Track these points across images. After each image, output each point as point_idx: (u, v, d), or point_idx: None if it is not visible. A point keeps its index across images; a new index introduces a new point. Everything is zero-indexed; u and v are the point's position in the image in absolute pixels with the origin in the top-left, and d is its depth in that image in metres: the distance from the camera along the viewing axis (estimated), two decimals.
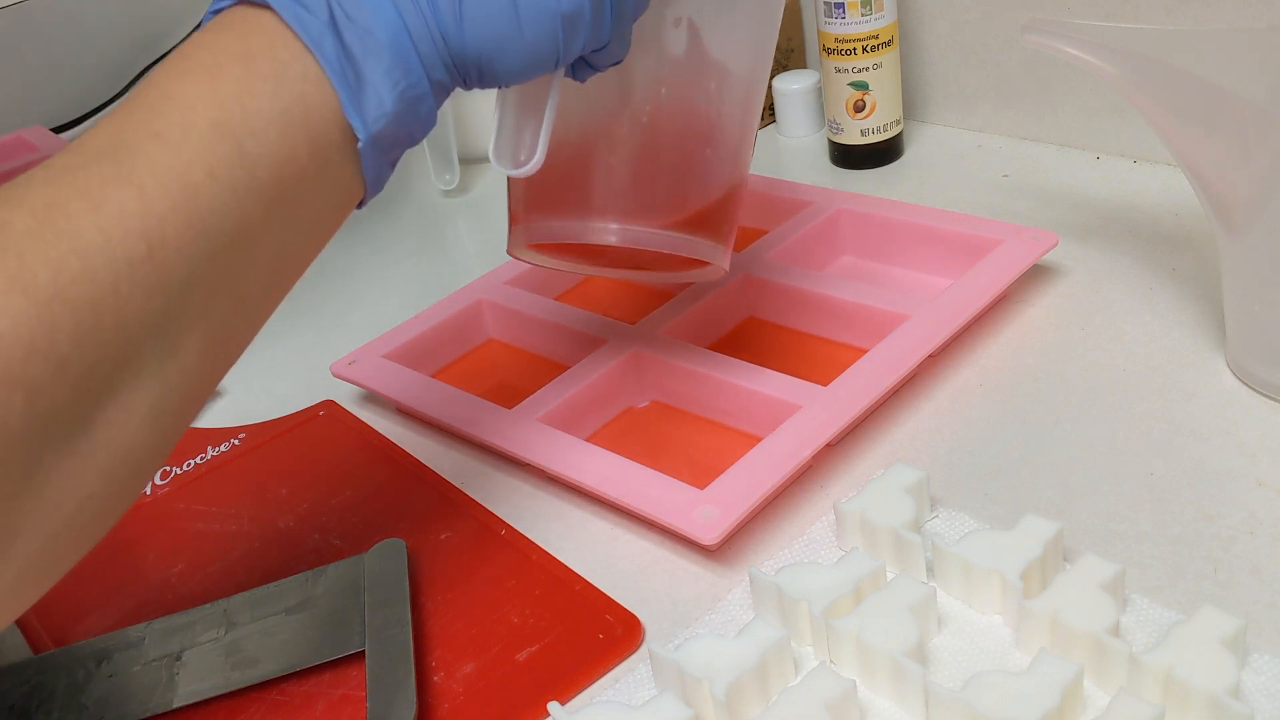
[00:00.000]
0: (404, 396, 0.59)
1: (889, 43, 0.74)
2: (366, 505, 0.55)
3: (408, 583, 0.47)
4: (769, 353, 0.59)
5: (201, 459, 0.60)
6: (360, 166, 0.38)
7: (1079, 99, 0.72)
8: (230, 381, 0.68)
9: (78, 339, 0.31)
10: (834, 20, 0.73)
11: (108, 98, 1.18)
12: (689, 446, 0.55)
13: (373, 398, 0.63)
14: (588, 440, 0.53)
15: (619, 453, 0.51)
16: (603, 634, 0.44)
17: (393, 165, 0.40)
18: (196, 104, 0.35)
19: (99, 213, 0.32)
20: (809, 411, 0.50)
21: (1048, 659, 0.37)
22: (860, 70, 0.74)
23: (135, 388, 0.33)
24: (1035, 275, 0.61)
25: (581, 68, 0.43)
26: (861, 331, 0.58)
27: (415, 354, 0.63)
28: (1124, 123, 0.71)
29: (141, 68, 1.20)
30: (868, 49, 0.74)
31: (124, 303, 0.32)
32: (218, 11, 0.38)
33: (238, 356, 0.38)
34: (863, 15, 0.73)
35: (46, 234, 0.31)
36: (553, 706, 0.40)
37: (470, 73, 0.39)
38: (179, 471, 0.60)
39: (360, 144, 0.37)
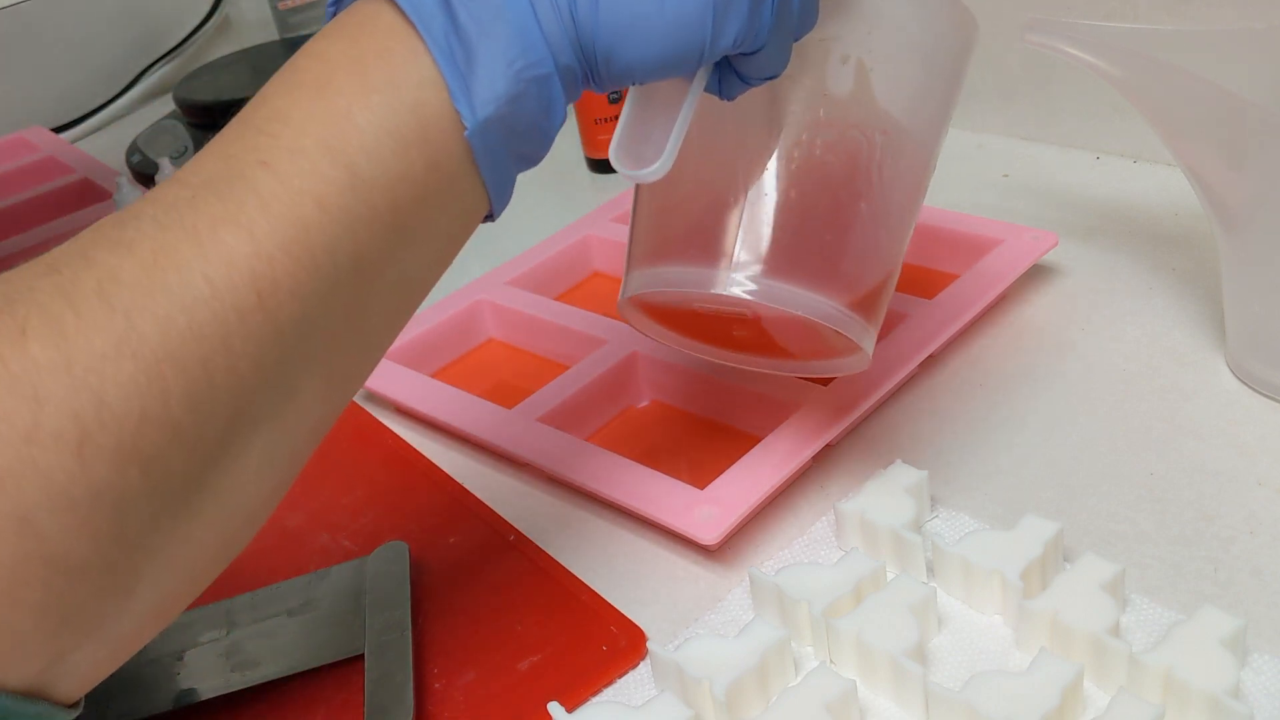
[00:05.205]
0: (404, 396, 0.59)
1: None
2: (377, 506, 0.54)
3: (409, 587, 0.47)
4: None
5: None
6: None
7: (1079, 99, 0.72)
8: None
9: (191, 402, 0.29)
10: None
11: (108, 98, 1.18)
12: (689, 446, 0.55)
13: (374, 396, 0.63)
14: (588, 440, 0.53)
15: (619, 453, 0.51)
16: (606, 645, 0.44)
17: (518, 163, 0.36)
18: (305, 123, 0.32)
19: (207, 259, 0.30)
20: (809, 411, 0.51)
21: (1048, 659, 0.37)
22: None
23: (250, 441, 0.31)
24: (1035, 275, 0.61)
25: (730, 79, 0.38)
26: None
27: (415, 354, 0.63)
28: (1124, 123, 0.71)
29: (142, 68, 1.20)
30: None
31: (236, 358, 0.30)
32: (337, 9, 0.35)
33: (359, 387, 0.36)
34: None
35: (155, 288, 0.29)
36: (553, 707, 0.40)
37: (598, 62, 0.34)
38: None
39: (468, 132, 0.33)
